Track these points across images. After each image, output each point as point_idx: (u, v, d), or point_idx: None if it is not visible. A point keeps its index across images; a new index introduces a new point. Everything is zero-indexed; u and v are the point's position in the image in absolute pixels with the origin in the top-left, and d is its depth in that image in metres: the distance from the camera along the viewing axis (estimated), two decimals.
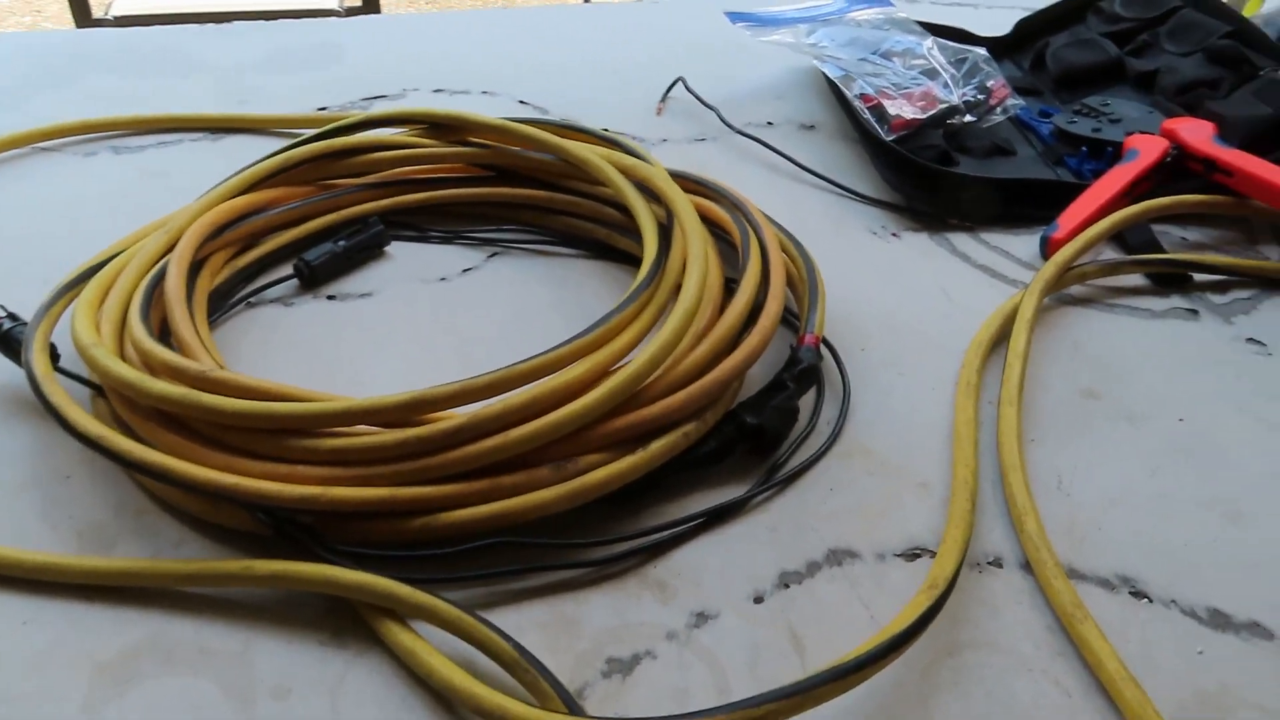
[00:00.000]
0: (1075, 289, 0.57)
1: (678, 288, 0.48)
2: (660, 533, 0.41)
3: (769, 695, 0.32)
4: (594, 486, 0.41)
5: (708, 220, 0.56)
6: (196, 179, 0.62)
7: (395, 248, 0.60)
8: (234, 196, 0.56)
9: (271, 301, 0.56)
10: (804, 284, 0.51)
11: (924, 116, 0.68)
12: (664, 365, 0.43)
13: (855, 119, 0.69)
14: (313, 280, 0.56)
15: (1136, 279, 0.58)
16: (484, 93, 0.79)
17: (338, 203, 0.59)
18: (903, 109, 0.68)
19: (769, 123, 0.75)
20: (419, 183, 0.62)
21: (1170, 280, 0.58)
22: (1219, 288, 0.58)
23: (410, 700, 0.36)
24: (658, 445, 0.42)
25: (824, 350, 0.50)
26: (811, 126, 0.75)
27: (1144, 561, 0.41)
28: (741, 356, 0.45)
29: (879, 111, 0.68)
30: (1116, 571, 0.41)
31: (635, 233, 0.57)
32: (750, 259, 0.49)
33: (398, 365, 0.51)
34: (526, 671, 0.35)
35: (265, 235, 0.58)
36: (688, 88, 0.77)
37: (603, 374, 0.43)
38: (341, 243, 0.57)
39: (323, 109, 0.76)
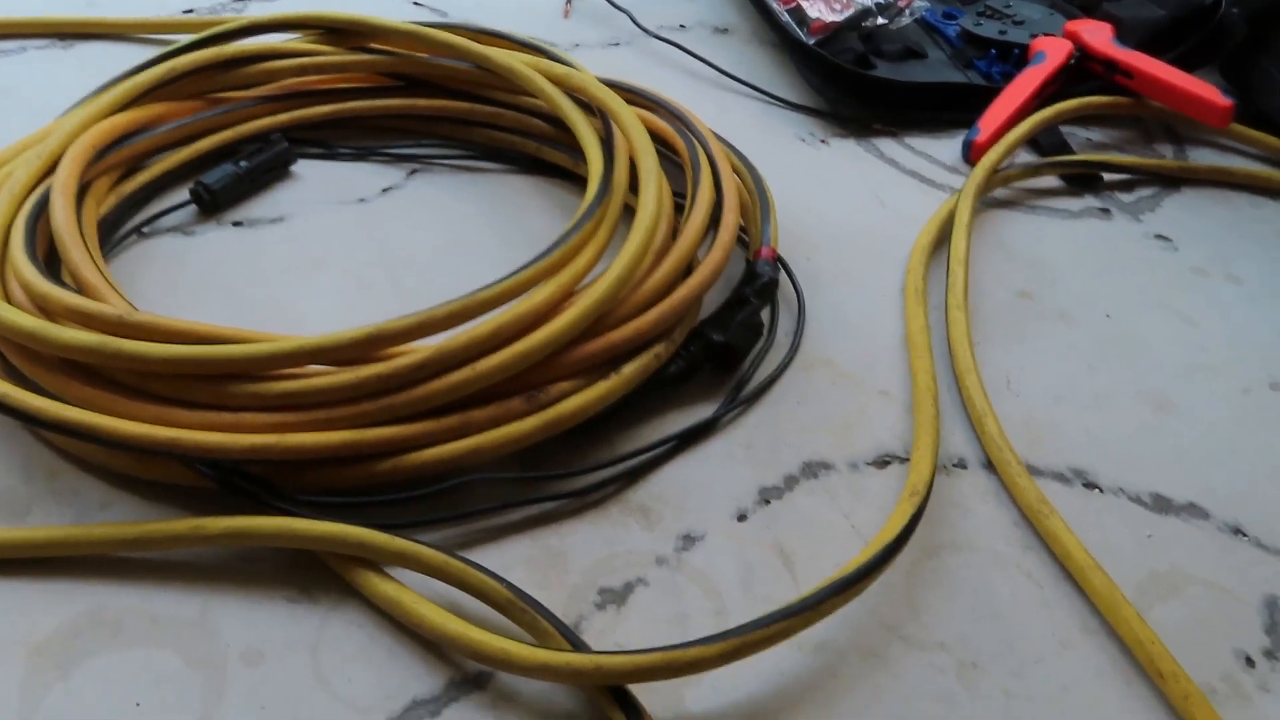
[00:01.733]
0: (999, 192, 0.59)
1: (624, 205, 0.46)
2: (637, 457, 0.40)
3: (775, 615, 0.32)
4: (569, 415, 0.39)
5: (650, 131, 0.54)
6: (49, 95, 0.55)
7: (302, 167, 0.55)
8: (112, 114, 0.49)
9: (168, 231, 0.50)
10: (753, 196, 0.50)
11: (842, 19, 0.67)
12: (628, 285, 0.42)
13: (772, 22, 0.68)
14: (214, 205, 0.51)
15: (1051, 180, 0.60)
16: None
17: (232, 118, 0.54)
18: (821, 11, 0.66)
19: (681, 26, 0.72)
20: (321, 94, 0.56)
21: (1082, 181, 0.60)
22: (1125, 186, 0.61)
23: (398, 651, 0.34)
24: (631, 368, 0.41)
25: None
26: (725, 30, 0.73)
27: (1092, 454, 0.43)
28: (706, 272, 0.44)
29: (798, 15, 0.66)
30: (1070, 465, 0.43)
31: (566, 145, 0.54)
32: (701, 173, 0.48)
33: (327, 297, 0.47)
34: (524, 611, 0.34)
35: (152, 156, 0.52)
36: None
37: (567, 296, 0.41)
38: (243, 163, 0.52)
39: (189, 11, 0.68)
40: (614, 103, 0.49)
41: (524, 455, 0.39)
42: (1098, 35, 0.66)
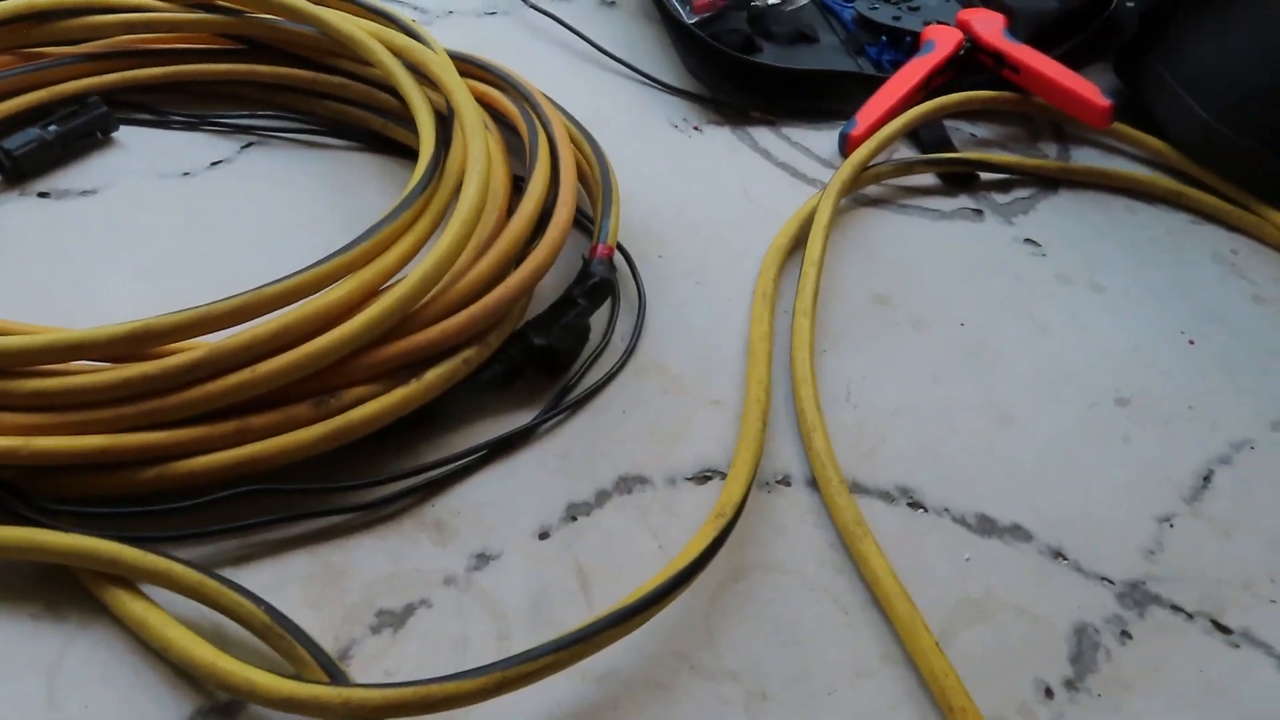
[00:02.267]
0: (871, 189, 0.57)
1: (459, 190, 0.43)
2: (438, 469, 0.38)
3: (548, 646, 0.31)
4: (361, 423, 0.37)
5: (493, 111, 0.51)
6: None
7: (125, 134, 0.51)
8: None
9: None
10: (598, 186, 0.48)
11: None
12: (441, 282, 0.39)
13: None
14: (17, 174, 0.47)
15: (928, 178, 0.58)
16: None
17: (46, 76, 0.50)
18: None
19: None
20: (152, 54, 0.52)
21: (958, 179, 0.59)
22: (1003, 186, 0.59)
23: (146, 676, 0.32)
24: (434, 374, 0.38)
25: (619, 259, 0.47)
26: (612, 3, 0.70)
27: (923, 471, 0.42)
28: (527, 272, 0.41)
29: None
30: (897, 483, 0.41)
31: (413, 123, 0.51)
32: (538, 159, 0.45)
33: (131, 283, 0.44)
34: (280, 638, 0.31)
35: None
36: None
37: (370, 294, 0.38)
38: (53, 128, 0.48)
39: None
40: (450, 79, 0.46)
41: (316, 463, 0.37)
42: (989, 26, 0.64)
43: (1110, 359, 0.49)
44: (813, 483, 0.41)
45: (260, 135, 0.53)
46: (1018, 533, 0.40)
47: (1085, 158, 0.62)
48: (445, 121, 0.46)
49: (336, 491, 0.37)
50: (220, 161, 0.51)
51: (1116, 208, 0.59)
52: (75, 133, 0.49)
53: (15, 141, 0.47)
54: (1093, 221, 0.57)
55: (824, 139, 0.60)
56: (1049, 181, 0.60)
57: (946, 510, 0.41)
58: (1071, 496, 0.42)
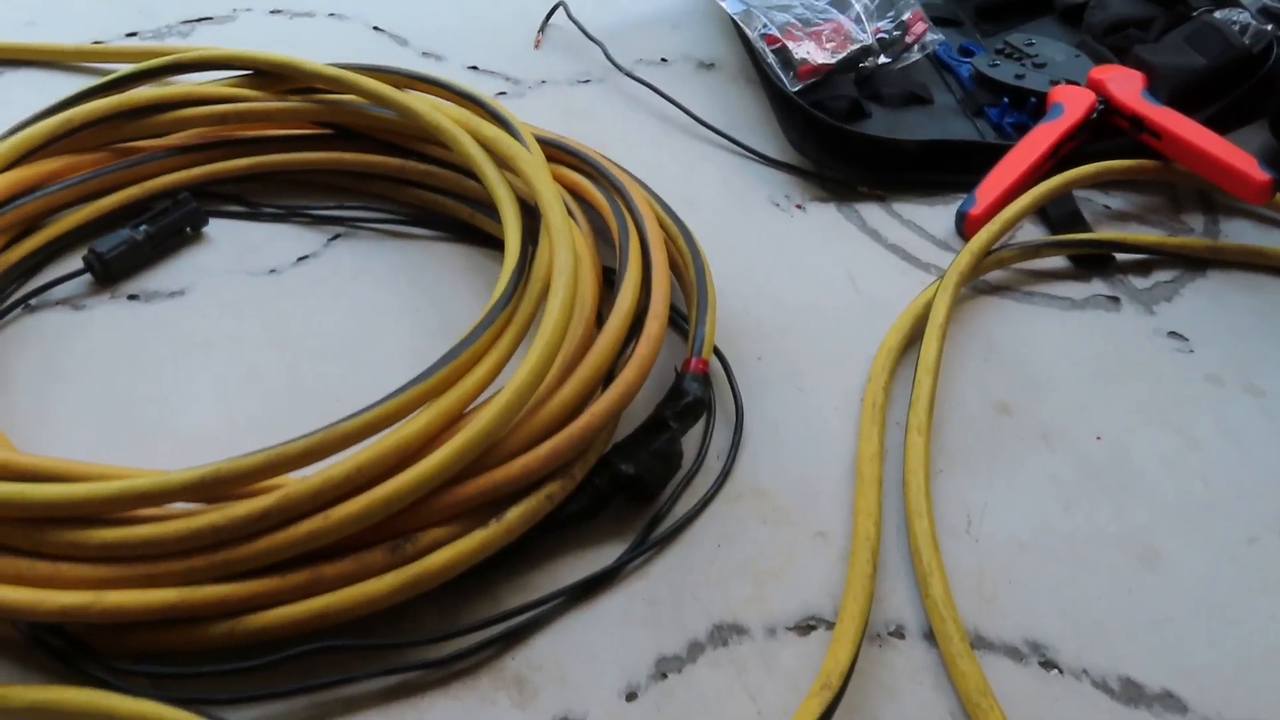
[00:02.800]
0: (993, 275, 0.52)
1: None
2: (518, 616, 0.35)
3: None
4: (438, 571, 0.34)
5: (583, 200, 0.48)
6: None
7: (215, 227, 0.50)
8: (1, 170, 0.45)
9: (57, 304, 0.46)
10: (693, 287, 0.45)
11: (835, 61, 0.60)
12: (520, 413, 0.37)
13: (757, 62, 0.61)
14: (107, 276, 0.47)
15: (1057, 260, 0.53)
16: (331, 15, 0.68)
17: (138, 173, 0.49)
18: (810, 52, 0.60)
19: (663, 59, 0.66)
20: (241, 144, 0.52)
21: (1093, 262, 0.53)
22: (1142, 268, 0.53)
23: None
24: (515, 514, 0.36)
25: (714, 364, 0.44)
26: (711, 65, 0.66)
27: (1055, 622, 0.37)
28: (615, 396, 0.38)
29: (783, 56, 0.60)
30: (1026, 636, 0.37)
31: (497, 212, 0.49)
32: (629, 265, 0.42)
33: (210, 388, 0.43)
34: None
35: (46, 218, 0.48)
36: (570, 15, 0.67)
37: (449, 424, 0.36)
38: (143, 228, 0.48)
39: (132, 35, 0.64)
40: (539, 181, 0.43)
41: (388, 612, 0.34)
42: (1126, 86, 0.58)
43: (1272, 481, 0.43)
44: (929, 635, 0.36)
45: (348, 226, 0.51)
46: (1169, 702, 0.35)
47: (1237, 232, 0.56)
48: (532, 213, 0.44)
49: (410, 647, 0.34)
50: (307, 257, 0.49)
51: (1273, 291, 0.53)
52: (165, 231, 0.48)
53: (107, 244, 0.46)
54: (1247, 309, 0.51)
55: (939, 216, 0.56)
56: (1196, 262, 0.54)
57: (1085, 672, 0.36)
58: (1230, 655, 0.37)
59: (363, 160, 0.52)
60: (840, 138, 0.56)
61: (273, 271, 0.49)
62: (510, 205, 0.43)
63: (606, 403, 0.38)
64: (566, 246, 0.40)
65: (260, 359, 0.44)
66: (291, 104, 0.51)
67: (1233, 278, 0.53)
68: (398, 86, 0.51)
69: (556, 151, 0.50)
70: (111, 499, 0.32)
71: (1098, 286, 0.52)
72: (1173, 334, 0.50)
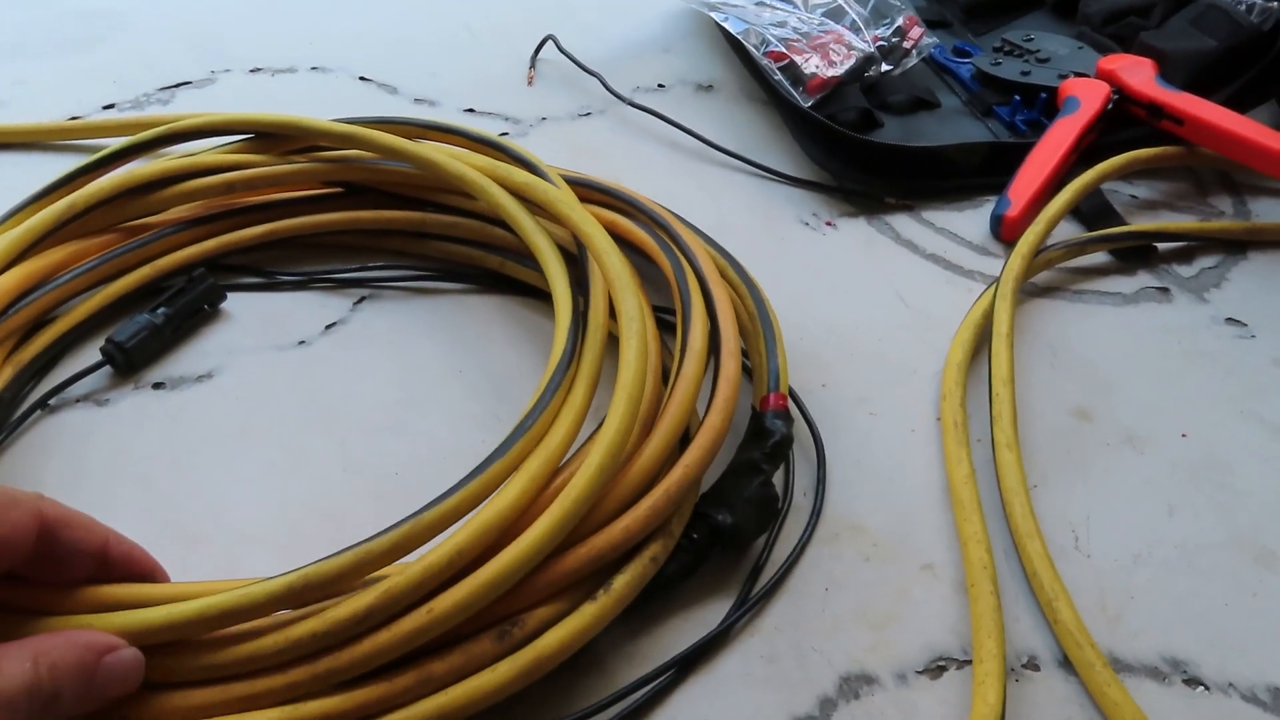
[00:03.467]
0: (1039, 277, 0.51)
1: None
2: (635, 693, 0.33)
3: None
4: (553, 653, 0.32)
5: (622, 241, 0.46)
6: None
7: (234, 301, 0.47)
8: (2, 269, 0.42)
9: (79, 401, 0.43)
10: (754, 319, 0.43)
11: (843, 73, 0.59)
12: (614, 472, 0.34)
13: (763, 80, 0.60)
14: (129, 366, 0.44)
15: (1098, 256, 0.52)
16: (314, 69, 0.65)
17: (147, 252, 0.46)
18: (819, 66, 0.59)
19: (660, 85, 0.65)
20: (251, 211, 0.49)
21: (1134, 253, 0.52)
22: (1183, 256, 0.53)
23: None
24: (621, 581, 0.33)
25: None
26: (710, 87, 0.65)
27: (1186, 635, 0.36)
28: (706, 442, 0.36)
29: (792, 72, 0.58)
30: (1163, 653, 0.35)
31: (531, 259, 0.46)
32: (692, 306, 0.40)
33: (261, 477, 0.40)
34: None
35: (55, 309, 0.45)
36: (560, 48, 0.65)
37: (540, 493, 0.33)
38: (162, 311, 0.44)
39: (110, 107, 0.61)
40: (586, 225, 0.41)
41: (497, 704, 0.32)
42: (1138, 74, 0.58)
43: None
44: (1065, 663, 0.35)
45: (371, 287, 0.49)
46: None
47: (1267, 211, 0.56)
48: (574, 260, 0.42)
49: None
50: (335, 324, 0.47)
51: None
52: (184, 311, 0.45)
53: (126, 332, 0.43)
54: None
55: (970, 220, 0.55)
56: (1235, 245, 0.53)
57: (1232, 686, 0.34)
58: None
59: (380, 217, 0.49)
60: (862, 149, 0.55)
61: (302, 343, 0.46)
62: (552, 254, 0.41)
63: (698, 451, 0.36)
64: (631, 291, 0.38)
65: (306, 439, 0.41)
66: (300, 165, 0.48)
67: (1275, 258, 0.53)
68: (409, 137, 0.48)
69: (586, 191, 0.48)
70: (191, 622, 0.29)
71: (1144, 279, 0.51)
72: (1230, 320, 0.49)
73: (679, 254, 0.43)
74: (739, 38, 0.60)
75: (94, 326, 0.45)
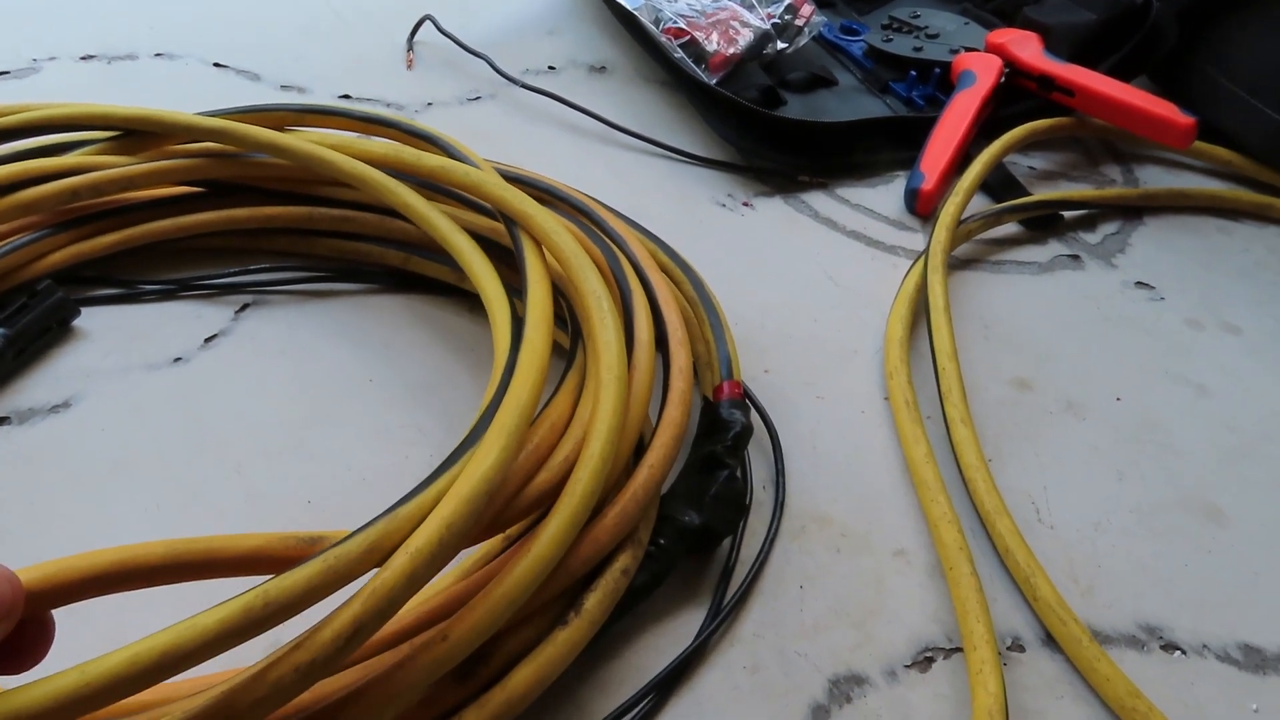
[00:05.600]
0: (959, 249, 0.50)
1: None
2: None
3: None
4: (526, 690, 0.28)
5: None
6: None
7: (89, 319, 0.41)
8: None
9: None
10: (695, 303, 0.40)
11: (742, 50, 0.57)
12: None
13: (662, 59, 0.57)
14: None
15: (1009, 227, 0.53)
16: (158, 55, 0.58)
17: None
18: (719, 44, 0.56)
19: (550, 67, 0.61)
20: (101, 217, 0.42)
21: (1041, 222, 0.53)
22: (1087, 223, 0.54)
23: None
24: (594, 600, 0.30)
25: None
26: (603, 68, 0.62)
27: (1158, 600, 0.35)
28: (668, 439, 0.33)
29: (694, 50, 0.56)
30: (1138, 621, 0.35)
31: (444, 253, 0.42)
32: (634, 297, 0.36)
33: (148, 520, 0.34)
34: None
35: None
36: (440, 29, 0.61)
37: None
38: (1, 331, 0.38)
39: None
40: (524, 205, 0.36)
41: None
42: (1027, 47, 0.59)
43: None
44: (1048, 641, 0.34)
45: (255, 292, 0.43)
46: None
47: (1152, 178, 0.58)
48: (493, 252, 0.38)
49: None
50: (215, 336, 0.41)
51: (1208, 230, 0.54)
52: (29, 333, 0.38)
53: None
54: (1191, 250, 0.52)
55: (882, 196, 0.54)
56: (1132, 211, 0.55)
57: (1206, 647, 0.34)
58: None
59: (259, 215, 0.43)
60: (775, 126, 0.53)
61: (178, 360, 0.40)
62: (473, 251, 0.37)
63: (661, 449, 0.33)
64: (591, 269, 0.34)
65: (195, 470, 0.36)
66: (161, 165, 0.42)
67: (1169, 222, 0.54)
68: (287, 126, 0.43)
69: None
70: (129, 674, 0.22)
71: (1055, 247, 0.52)
72: (1140, 284, 0.50)
73: (609, 242, 0.40)
74: (635, 14, 0.57)
75: None
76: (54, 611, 0.24)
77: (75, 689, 0.22)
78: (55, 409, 0.37)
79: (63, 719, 0.22)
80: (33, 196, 0.40)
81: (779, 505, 0.37)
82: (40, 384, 0.38)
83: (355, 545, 0.25)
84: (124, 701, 0.23)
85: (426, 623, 0.28)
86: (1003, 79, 0.58)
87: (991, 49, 0.60)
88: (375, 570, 0.25)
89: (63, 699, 0.22)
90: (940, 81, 0.60)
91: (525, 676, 0.28)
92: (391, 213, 0.43)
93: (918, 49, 0.62)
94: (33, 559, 0.32)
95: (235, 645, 0.23)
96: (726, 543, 0.35)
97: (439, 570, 0.26)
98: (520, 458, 0.29)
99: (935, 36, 0.63)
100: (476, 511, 0.26)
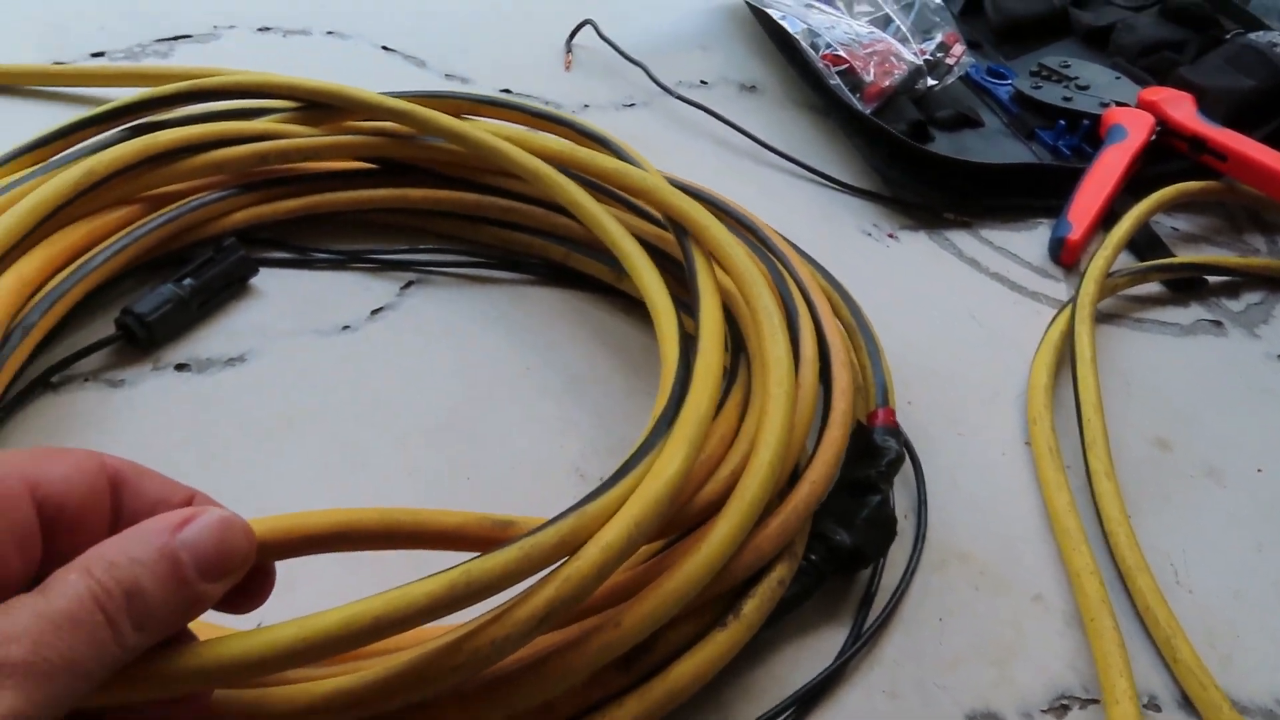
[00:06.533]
0: (1102, 303, 0.50)
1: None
2: None
3: None
4: (686, 684, 0.29)
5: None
6: None
7: (265, 278, 0.43)
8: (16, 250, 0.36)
9: (87, 378, 0.38)
10: (853, 328, 0.41)
11: (897, 83, 0.58)
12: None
13: (816, 84, 0.58)
14: (150, 341, 0.39)
15: (1152, 286, 0.52)
16: (330, 33, 0.60)
17: (174, 226, 0.41)
18: (876, 74, 0.57)
19: (703, 82, 0.62)
20: (286, 183, 0.44)
21: (1186, 285, 0.52)
22: (1230, 290, 0.53)
23: None
24: (751, 606, 0.30)
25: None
26: (753, 88, 0.63)
27: None
28: (829, 456, 0.34)
29: (850, 78, 0.57)
30: (1275, 695, 0.34)
31: (604, 251, 0.43)
32: (800, 317, 0.37)
33: (312, 477, 0.36)
34: None
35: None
36: (600, 34, 0.62)
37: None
38: (188, 281, 0.40)
39: (99, 55, 0.55)
40: (699, 215, 0.37)
41: None
42: (1180, 107, 0.58)
43: None
44: (1185, 703, 0.33)
45: (420, 271, 0.45)
46: None
47: None
48: (660, 259, 0.39)
49: None
50: (382, 308, 0.43)
51: None
52: (212, 285, 0.40)
53: (149, 304, 0.38)
54: None
55: (1026, 241, 0.54)
56: (1276, 282, 0.54)
57: None
58: None
59: (430, 197, 0.45)
60: (926, 161, 0.54)
61: (347, 328, 0.41)
62: (642, 260, 0.38)
63: (822, 466, 0.33)
64: (764, 285, 0.35)
65: (360, 434, 0.37)
66: (346, 139, 0.44)
67: None
68: (461, 113, 0.45)
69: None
70: (256, 660, 0.23)
71: (1197, 311, 0.51)
72: None
73: (774, 259, 0.40)
74: (796, 38, 0.58)
75: (103, 299, 0.40)
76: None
77: (293, 641, 0.23)
78: (231, 361, 0.39)
79: (278, 666, 0.23)
80: (225, 157, 0.42)
81: (920, 536, 0.37)
82: (218, 336, 0.40)
83: (548, 536, 0.25)
84: None
85: (592, 609, 0.29)
86: (1153, 137, 0.57)
87: (1144, 105, 0.59)
88: (563, 560, 0.26)
89: (280, 649, 0.23)
90: (1088, 133, 0.60)
91: (685, 671, 0.29)
92: (556, 208, 0.44)
93: (1067, 99, 0.61)
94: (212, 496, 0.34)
95: (437, 619, 0.24)
96: (868, 568, 0.35)
97: (622, 564, 0.27)
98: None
99: (1085, 88, 0.62)
100: (662, 513, 0.27)
